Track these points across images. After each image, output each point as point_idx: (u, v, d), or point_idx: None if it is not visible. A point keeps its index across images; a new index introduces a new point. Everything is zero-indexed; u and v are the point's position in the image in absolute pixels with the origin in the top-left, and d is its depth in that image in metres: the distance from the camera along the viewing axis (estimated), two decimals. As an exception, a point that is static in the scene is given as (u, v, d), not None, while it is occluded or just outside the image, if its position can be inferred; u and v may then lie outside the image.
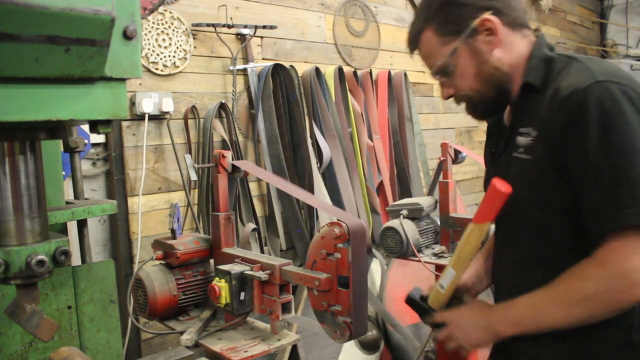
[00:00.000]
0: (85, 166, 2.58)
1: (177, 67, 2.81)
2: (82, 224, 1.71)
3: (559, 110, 1.14)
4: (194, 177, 1.80)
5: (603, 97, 1.09)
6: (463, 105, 1.39)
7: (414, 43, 1.39)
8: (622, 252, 1.07)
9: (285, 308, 1.53)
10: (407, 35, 1.40)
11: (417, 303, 1.44)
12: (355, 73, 3.59)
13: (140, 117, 2.65)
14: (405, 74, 3.97)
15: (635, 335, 1.17)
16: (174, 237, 1.78)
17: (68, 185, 1.91)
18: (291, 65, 3.21)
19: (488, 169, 1.47)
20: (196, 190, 2.86)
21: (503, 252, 1.41)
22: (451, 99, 1.39)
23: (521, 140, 1.25)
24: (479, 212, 1.27)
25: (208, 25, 2.89)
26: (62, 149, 1.69)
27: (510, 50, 1.29)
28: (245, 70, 3.07)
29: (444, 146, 2.68)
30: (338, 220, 1.44)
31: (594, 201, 1.10)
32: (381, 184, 3.67)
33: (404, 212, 2.58)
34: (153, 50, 2.71)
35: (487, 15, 1.25)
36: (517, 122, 1.29)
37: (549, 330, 1.19)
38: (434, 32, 1.31)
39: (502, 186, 1.19)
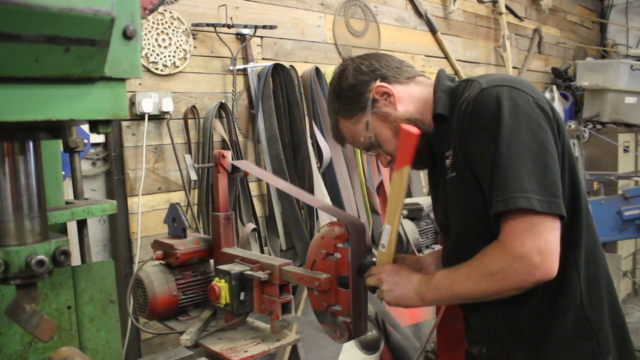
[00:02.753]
0: (85, 166, 2.58)
1: (177, 67, 2.81)
2: (81, 224, 1.71)
3: (460, 124, 1.29)
4: (193, 177, 1.81)
5: (487, 102, 1.23)
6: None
7: (338, 137, 1.56)
8: (514, 234, 1.17)
9: (285, 308, 1.53)
10: (332, 133, 1.60)
11: (365, 268, 1.42)
12: (355, 73, 3.58)
13: (140, 117, 2.65)
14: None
15: (589, 312, 1.31)
16: (185, 237, 1.78)
17: (68, 185, 1.91)
18: (291, 65, 3.21)
19: (434, 199, 1.56)
20: (196, 190, 2.86)
21: (450, 264, 1.44)
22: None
23: (447, 162, 1.36)
24: (397, 159, 1.35)
25: (208, 25, 2.89)
26: (61, 148, 1.68)
27: (412, 99, 1.44)
28: (245, 70, 3.07)
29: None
30: (338, 220, 1.44)
31: (489, 191, 1.21)
32: (381, 184, 3.67)
33: (404, 212, 2.58)
34: (153, 50, 2.71)
35: (377, 83, 1.43)
36: (440, 149, 1.41)
37: (461, 299, 1.32)
38: (345, 119, 1.49)
39: (411, 129, 1.29)
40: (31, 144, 1.03)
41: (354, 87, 1.45)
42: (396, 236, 1.43)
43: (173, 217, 1.80)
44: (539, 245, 1.14)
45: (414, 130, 1.28)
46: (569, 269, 1.29)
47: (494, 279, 1.20)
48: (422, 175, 4.03)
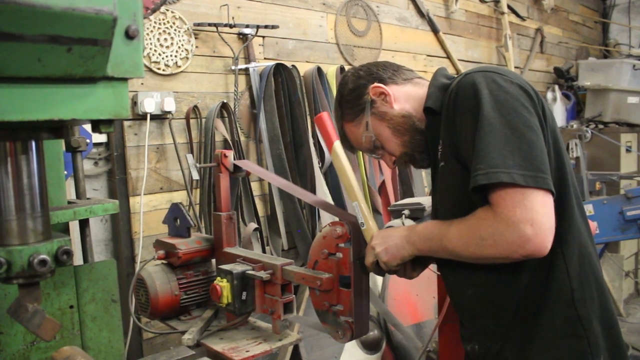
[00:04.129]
0: (87, 166, 2.58)
1: (179, 66, 2.81)
2: (84, 224, 1.71)
3: (446, 112, 1.31)
4: (195, 176, 1.80)
5: (466, 86, 1.25)
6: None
7: (345, 142, 1.59)
8: (505, 204, 1.15)
9: (287, 308, 1.53)
10: (340, 141, 1.63)
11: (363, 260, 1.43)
12: (357, 73, 3.58)
13: (142, 117, 2.65)
14: (407, 74, 3.96)
15: (580, 310, 1.28)
16: (189, 236, 1.78)
17: (70, 185, 1.91)
18: (293, 65, 3.21)
19: (432, 193, 1.57)
20: (198, 190, 2.86)
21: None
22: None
23: (439, 155, 1.38)
24: (326, 143, 1.49)
25: (210, 25, 2.89)
26: (64, 148, 1.69)
27: (408, 98, 1.48)
28: (247, 69, 3.07)
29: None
30: (340, 220, 1.44)
31: (476, 166, 1.19)
32: (383, 183, 3.67)
33: (406, 212, 2.57)
34: (155, 50, 2.71)
35: (374, 84, 1.48)
36: (433, 144, 1.42)
37: (449, 255, 1.29)
38: (348, 123, 1.54)
39: (320, 114, 1.48)
40: (33, 143, 1.03)
41: (354, 90, 1.51)
42: (367, 209, 1.45)
43: (176, 216, 1.81)
44: (531, 216, 1.12)
45: (321, 114, 1.46)
46: (557, 263, 1.28)
47: (484, 244, 1.18)
48: (424, 175, 4.03)
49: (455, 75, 1.46)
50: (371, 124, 1.47)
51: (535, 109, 1.24)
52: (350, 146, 1.60)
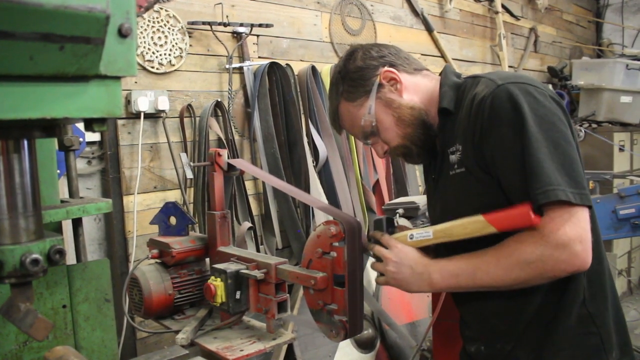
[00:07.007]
0: (80, 165, 2.57)
1: (173, 65, 2.80)
2: (77, 223, 1.71)
3: (474, 118, 1.28)
4: (189, 175, 1.80)
5: (502, 97, 1.24)
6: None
7: (335, 122, 1.52)
8: (554, 224, 1.17)
9: (281, 307, 1.53)
10: (329, 118, 1.55)
11: (382, 225, 1.41)
12: (351, 72, 3.58)
13: (136, 116, 2.64)
14: (402, 73, 3.97)
15: (590, 307, 1.31)
16: (187, 233, 1.78)
17: (63, 184, 1.90)
18: (287, 64, 3.20)
19: (431, 194, 1.55)
20: (192, 189, 2.85)
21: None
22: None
23: (452, 158, 1.35)
24: (496, 214, 1.24)
25: (204, 23, 2.88)
26: (57, 147, 1.68)
27: (417, 90, 1.43)
28: (241, 68, 3.07)
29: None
30: (334, 219, 1.44)
31: (519, 184, 1.21)
32: (377, 182, 3.68)
33: (400, 210, 2.58)
34: (149, 49, 2.70)
35: (386, 68, 1.41)
36: (445, 144, 1.39)
37: (481, 287, 1.27)
38: (347, 102, 1.45)
39: (532, 215, 1.18)
40: (26, 142, 1.02)
41: (362, 69, 1.44)
42: (425, 246, 1.39)
43: (170, 215, 1.80)
44: (580, 234, 1.16)
45: (535, 220, 1.18)
46: None
47: (530, 267, 1.19)
48: (418, 174, 4.03)
49: (460, 73, 1.46)
50: (375, 108, 1.42)
51: (568, 120, 1.26)
52: (339, 127, 1.53)
